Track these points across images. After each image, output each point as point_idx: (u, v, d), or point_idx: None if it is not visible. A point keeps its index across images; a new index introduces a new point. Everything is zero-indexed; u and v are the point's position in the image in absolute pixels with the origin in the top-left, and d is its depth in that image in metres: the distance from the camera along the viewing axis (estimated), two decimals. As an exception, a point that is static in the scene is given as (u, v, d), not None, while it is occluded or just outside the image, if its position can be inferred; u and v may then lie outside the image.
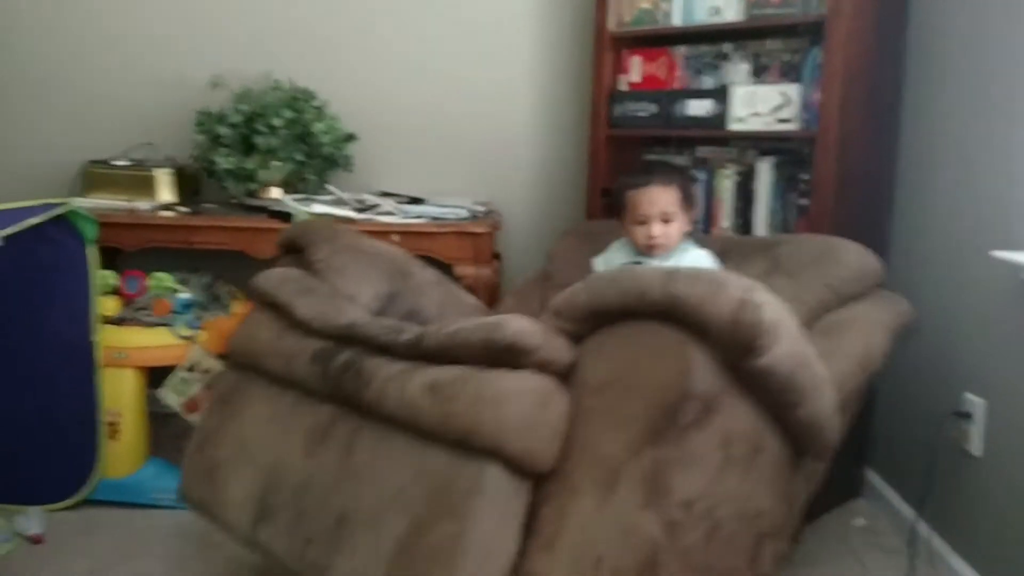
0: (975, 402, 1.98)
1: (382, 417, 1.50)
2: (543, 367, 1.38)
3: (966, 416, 2.00)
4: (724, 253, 2.11)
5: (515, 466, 1.34)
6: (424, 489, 1.39)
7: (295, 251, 2.05)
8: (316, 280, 1.89)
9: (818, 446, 1.48)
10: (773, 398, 1.36)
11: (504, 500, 1.34)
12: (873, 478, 2.50)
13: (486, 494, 1.33)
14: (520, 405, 1.35)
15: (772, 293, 1.35)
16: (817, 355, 1.42)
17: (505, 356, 1.38)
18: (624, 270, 1.42)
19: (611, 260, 2.14)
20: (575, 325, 1.42)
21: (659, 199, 2.02)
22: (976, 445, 1.97)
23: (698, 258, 2.04)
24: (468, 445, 1.37)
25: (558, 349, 1.39)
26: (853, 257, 1.93)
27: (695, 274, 1.33)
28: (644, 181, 2.06)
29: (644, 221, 2.03)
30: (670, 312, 1.31)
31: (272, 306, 1.82)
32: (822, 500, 2.35)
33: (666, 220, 2.02)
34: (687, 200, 2.06)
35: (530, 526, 1.34)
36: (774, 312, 1.29)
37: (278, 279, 1.85)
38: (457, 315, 2.05)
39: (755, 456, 1.37)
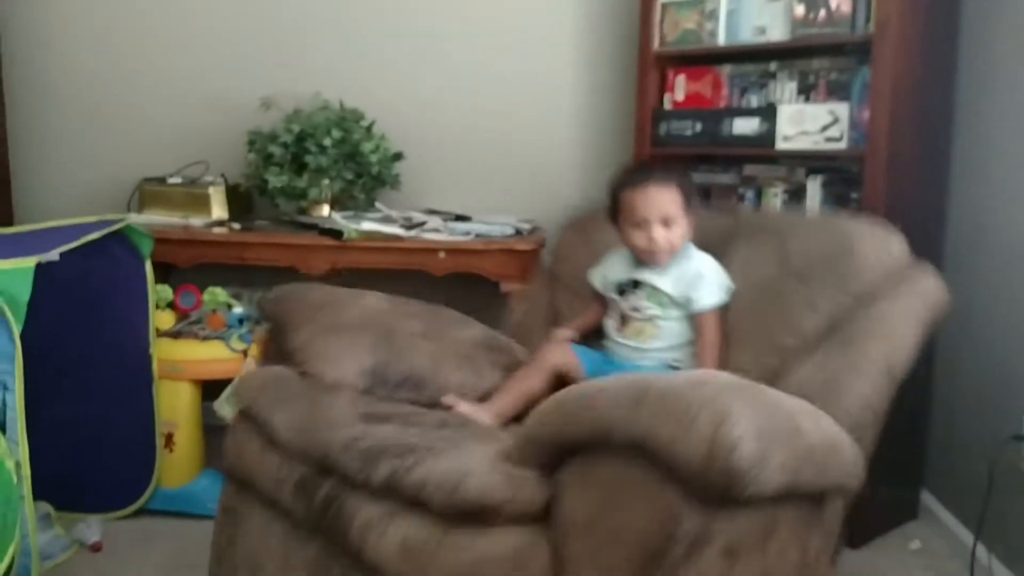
0: (1033, 423, 1.95)
1: (366, 565, 1.41)
2: (516, 519, 1.29)
3: (1024, 438, 1.97)
4: (730, 236, 1.99)
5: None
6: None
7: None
8: (297, 377, 1.77)
9: (840, 497, 1.43)
10: (775, 499, 1.25)
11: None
12: (929, 500, 2.46)
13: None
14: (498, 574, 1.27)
15: (753, 393, 1.24)
16: (819, 427, 1.33)
17: (473, 516, 1.30)
18: (585, 393, 1.28)
19: (608, 273, 2.01)
20: (545, 458, 1.32)
21: (658, 200, 1.85)
22: (1035, 468, 1.94)
23: (703, 265, 1.90)
24: None
25: (528, 500, 1.30)
26: (871, 249, 1.74)
27: (663, 403, 1.19)
28: (641, 179, 1.88)
29: (643, 225, 1.86)
30: (640, 451, 1.20)
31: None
32: (875, 522, 2.34)
33: (667, 223, 1.85)
34: (689, 201, 1.89)
35: None
36: (752, 439, 1.14)
37: (256, 387, 1.75)
38: (453, 362, 1.91)
39: (767, 538, 1.29)
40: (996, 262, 2.15)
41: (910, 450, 2.47)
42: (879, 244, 1.76)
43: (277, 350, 1.90)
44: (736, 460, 1.11)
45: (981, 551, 2.05)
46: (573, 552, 1.26)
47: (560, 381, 1.83)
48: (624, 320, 1.94)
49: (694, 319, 1.88)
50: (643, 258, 1.91)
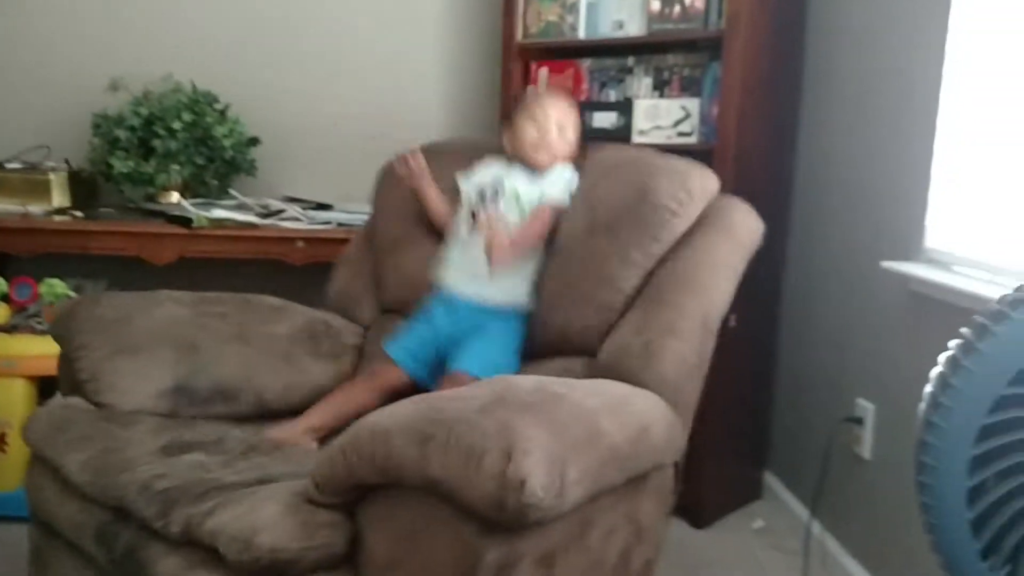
0: (866, 407, 2.05)
1: None
2: (319, 565, 1.25)
3: (858, 421, 2.08)
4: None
5: None
6: None
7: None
8: (89, 411, 1.64)
9: (662, 471, 1.47)
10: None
11: None
12: (771, 481, 2.57)
13: None
14: None
15: (543, 422, 1.19)
16: (623, 420, 1.33)
17: (272, 570, 1.23)
18: (375, 431, 1.23)
19: (478, 174, 1.97)
20: (343, 497, 1.27)
21: (563, 107, 1.94)
22: (866, 448, 2.05)
23: (566, 172, 1.90)
24: None
25: (327, 545, 1.24)
26: (671, 193, 1.70)
27: (450, 441, 1.14)
28: (555, 91, 2.09)
29: (540, 118, 1.91)
30: (434, 491, 1.17)
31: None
32: (722, 502, 2.43)
33: (561, 130, 1.91)
34: (579, 133, 1.96)
35: None
36: (543, 469, 1.11)
37: (45, 430, 1.60)
38: (269, 364, 1.81)
39: (583, 537, 1.29)
40: (837, 250, 2.25)
41: (754, 433, 2.58)
42: (677, 186, 1.70)
43: (69, 379, 1.73)
44: (526, 496, 1.09)
45: (816, 528, 2.16)
46: None
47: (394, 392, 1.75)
48: (467, 243, 1.88)
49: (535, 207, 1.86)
50: (526, 153, 1.91)
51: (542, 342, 1.78)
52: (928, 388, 1.04)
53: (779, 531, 2.36)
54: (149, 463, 1.45)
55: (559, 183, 1.88)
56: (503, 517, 1.11)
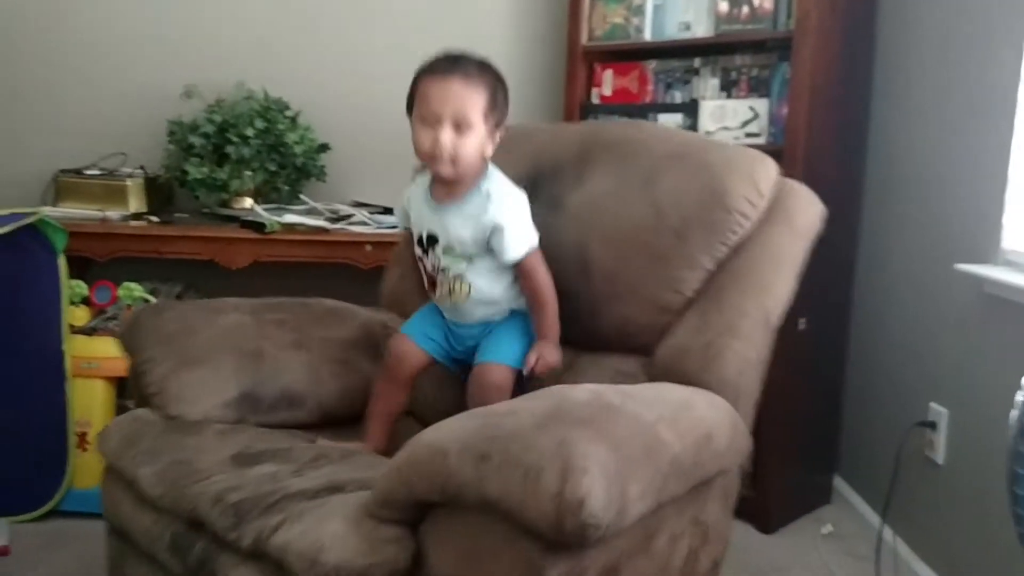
0: (939, 412, 2.02)
1: None
2: None
3: (931, 425, 2.04)
4: (585, 157, 1.79)
5: None
6: None
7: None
8: (158, 423, 1.66)
9: (725, 477, 1.45)
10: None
11: None
12: (841, 485, 2.54)
13: None
14: None
15: (601, 438, 1.17)
16: (684, 428, 1.31)
17: None
18: (433, 447, 1.22)
19: (412, 200, 1.72)
20: (405, 514, 1.27)
21: (458, 95, 1.54)
22: (939, 454, 2.01)
23: (500, 208, 1.58)
24: None
25: (392, 561, 1.24)
26: (744, 194, 1.61)
27: (507, 459, 1.13)
28: (446, 67, 1.56)
29: (431, 121, 1.55)
30: (494, 509, 1.16)
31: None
32: (790, 507, 2.40)
33: (459, 127, 1.54)
34: (495, 109, 1.58)
35: None
36: (602, 487, 1.10)
37: (119, 443, 1.63)
38: (331, 369, 1.82)
39: (649, 545, 1.29)
40: (909, 253, 2.22)
41: (824, 437, 2.55)
42: (750, 185, 1.62)
43: (138, 390, 1.76)
44: (586, 516, 1.07)
45: (888, 533, 2.12)
46: None
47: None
48: (432, 282, 1.69)
49: (518, 271, 1.65)
50: (425, 163, 1.62)
51: (594, 334, 1.72)
52: (1019, 396, 1.02)
53: (849, 536, 2.33)
54: (221, 473, 1.48)
55: (513, 237, 1.59)
56: (563, 537, 1.10)
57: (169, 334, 1.76)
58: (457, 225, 1.62)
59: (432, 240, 1.66)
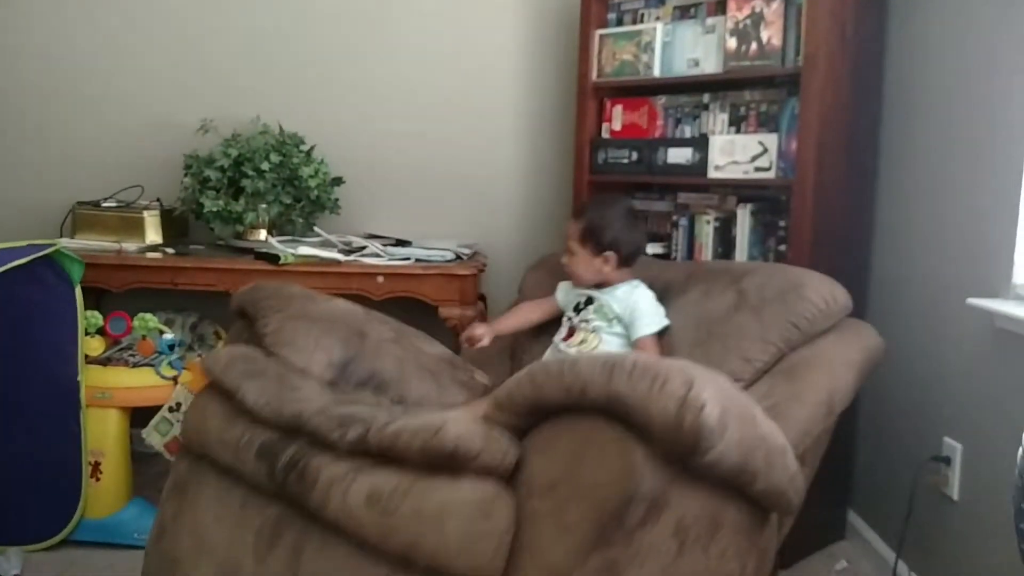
0: (953, 446, 2.01)
1: (327, 523, 1.45)
2: (486, 472, 1.33)
3: (945, 460, 2.03)
4: (690, 277, 2.13)
5: (459, 583, 1.30)
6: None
7: (246, 317, 1.97)
8: (265, 357, 1.80)
9: (781, 508, 1.46)
10: (726, 481, 1.32)
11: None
12: (855, 520, 2.51)
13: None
14: (462, 520, 1.30)
15: (714, 375, 1.32)
16: (770, 425, 1.39)
17: (447, 463, 1.33)
18: (565, 362, 1.36)
19: (570, 290, 2.21)
20: (518, 419, 1.38)
21: (569, 230, 2.13)
22: (954, 489, 1.99)
23: (640, 297, 2.08)
24: (410, 561, 1.34)
25: (501, 452, 1.34)
26: (820, 292, 1.90)
27: (636, 367, 1.27)
28: (575, 209, 2.16)
29: (567, 247, 2.13)
30: (612, 410, 1.27)
31: (221, 390, 1.73)
32: (804, 542, 2.38)
33: (570, 252, 2.12)
34: (588, 239, 2.09)
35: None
36: (717, 406, 1.23)
37: (225, 361, 1.75)
38: (418, 373, 2.00)
39: (714, 533, 1.34)
40: (920, 289, 2.22)
41: (838, 471, 2.52)
42: (828, 290, 1.91)
43: (245, 336, 1.91)
44: (704, 419, 1.20)
45: (903, 569, 2.10)
46: (535, 509, 1.31)
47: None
48: (571, 331, 2.11)
49: (634, 344, 2.03)
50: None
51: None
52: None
53: (863, 572, 2.31)
54: (323, 399, 1.60)
55: (645, 316, 2.04)
56: (678, 436, 1.21)
57: (290, 295, 1.97)
58: (609, 298, 2.09)
59: (589, 301, 2.11)
